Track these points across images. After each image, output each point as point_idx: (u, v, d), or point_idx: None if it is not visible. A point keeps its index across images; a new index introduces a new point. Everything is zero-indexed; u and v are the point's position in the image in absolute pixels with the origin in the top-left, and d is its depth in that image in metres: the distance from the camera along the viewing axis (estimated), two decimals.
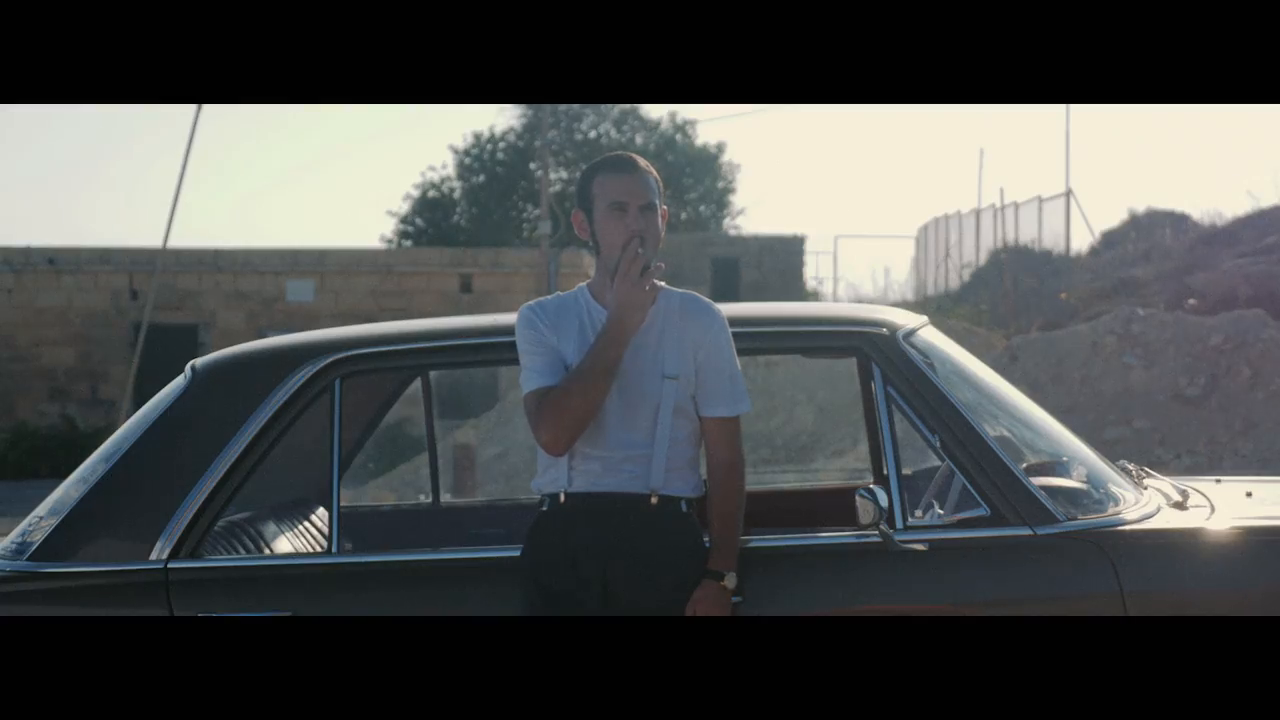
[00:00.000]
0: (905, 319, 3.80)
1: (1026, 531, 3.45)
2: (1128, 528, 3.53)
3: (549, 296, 3.44)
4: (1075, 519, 3.50)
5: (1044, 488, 3.55)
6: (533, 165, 36.28)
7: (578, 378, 3.21)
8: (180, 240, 34.89)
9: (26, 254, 23.33)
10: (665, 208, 3.39)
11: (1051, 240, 25.34)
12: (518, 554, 3.35)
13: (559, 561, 3.26)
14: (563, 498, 3.29)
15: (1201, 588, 3.44)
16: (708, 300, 3.43)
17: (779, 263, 32.72)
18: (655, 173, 3.38)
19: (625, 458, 3.27)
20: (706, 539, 3.34)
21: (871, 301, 23.03)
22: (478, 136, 38.56)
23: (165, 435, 3.60)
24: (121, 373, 20.96)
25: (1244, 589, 3.45)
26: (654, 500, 3.27)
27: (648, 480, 3.27)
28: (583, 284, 3.44)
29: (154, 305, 16.15)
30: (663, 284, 3.39)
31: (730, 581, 3.26)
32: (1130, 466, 4.10)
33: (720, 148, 39.88)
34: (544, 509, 3.34)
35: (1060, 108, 27.18)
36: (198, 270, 23.08)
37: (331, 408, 3.60)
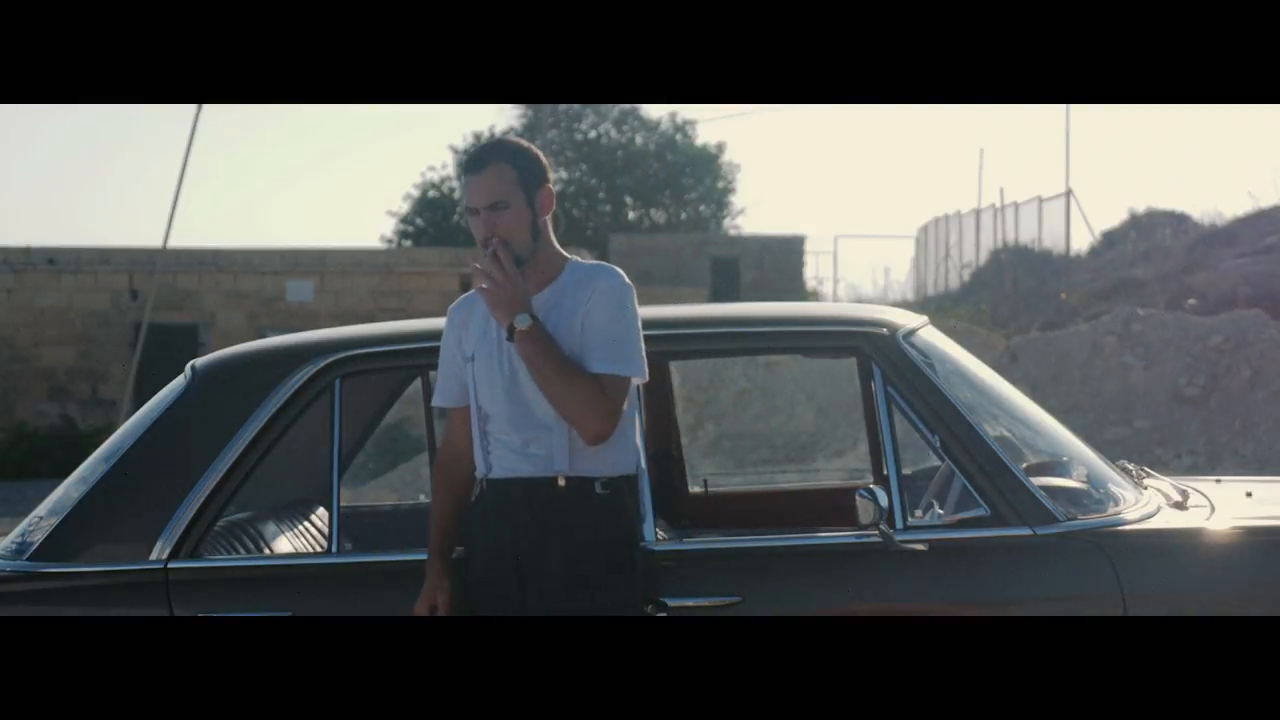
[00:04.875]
0: (905, 319, 3.80)
1: (1026, 531, 3.45)
2: (1128, 528, 3.54)
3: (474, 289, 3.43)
4: (1075, 519, 3.50)
5: (1044, 488, 3.55)
6: None
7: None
8: (180, 240, 34.94)
9: (26, 254, 23.31)
10: (548, 186, 3.31)
11: (1051, 240, 25.33)
12: None
13: (481, 550, 3.29)
14: (484, 485, 3.31)
15: (1201, 588, 3.44)
16: (612, 268, 3.33)
17: (779, 263, 32.67)
18: (522, 152, 3.30)
19: (531, 439, 3.24)
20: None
21: (871, 301, 23.00)
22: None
23: (165, 435, 3.60)
24: (121, 373, 20.94)
25: (1244, 589, 3.45)
26: (562, 483, 3.22)
27: (552, 463, 3.23)
28: None
29: (154, 305, 16.14)
30: (574, 258, 3.35)
31: (521, 321, 3.16)
32: (1130, 466, 4.10)
33: (720, 148, 39.83)
34: (475, 496, 3.36)
35: (1060, 108, 27.17)
36: (198, 270, 23.07)
37: (331, 408, 3.60)
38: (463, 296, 3.45)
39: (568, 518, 3.22)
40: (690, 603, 3.34)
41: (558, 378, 3.17)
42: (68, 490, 3.65)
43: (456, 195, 38.37)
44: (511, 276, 3.19)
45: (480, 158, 3.30)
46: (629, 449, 3.30)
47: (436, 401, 3.46)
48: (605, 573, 3.21)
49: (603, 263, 3.40)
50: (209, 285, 23.26)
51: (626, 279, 3.31)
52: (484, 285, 3.20)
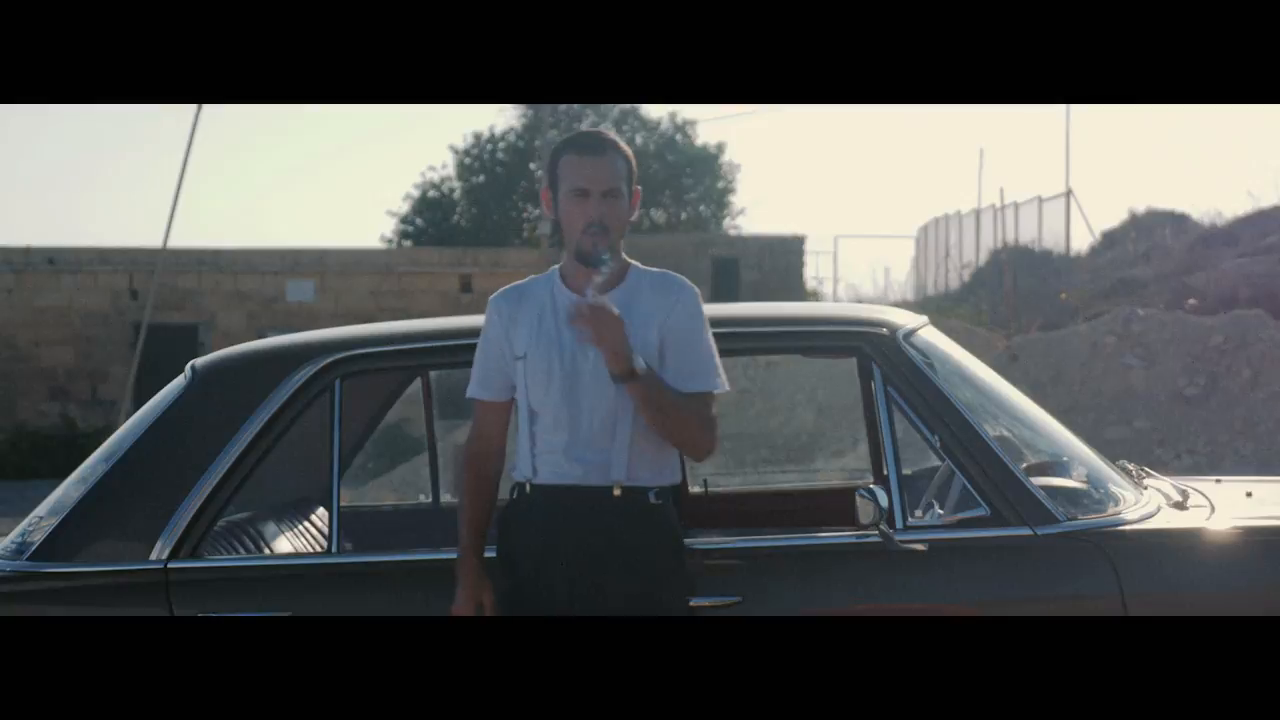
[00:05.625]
0: (905, 319, 3.80)
1: (1026, 531, 3.45)
2: (1128, 528, 3.54)
3: (523, 280, 3.37)
4: (1075, 519, 3.50)
5: (1044, 488, 3.55)
6: (533, 165, 36.25)
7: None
8: (180, 240, 34.86)
9: (26, 254, 23.32)
10: (638, 189, 3.30)
11: (1051, 240, 25.33)
12: None
13: (524, 557, 3.22)
14: (528, 488, 3.25)
15: (1201, 588, 3.44)
16: (680, 277, 3.33)
17: (779, 263, 32.65)
18: (628, 152, 3.28)
19: (588, 446, 3.19)
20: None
21: (871, 301, 23.01)
22: (478, 136, 38.49)
23: (165, 435, 3.60)
24: (121, 373, 20.94)
25: (1244, 589, 3.45)
26: (617, 493, 3.18)
27: (609, 471, 3.19)
28: (556, 266, 3.35)
29: (154, 305, 16.14)
30: (634, 262, 3.32)
31: (640, 364, 3.08)
32: (1130, 466, 4.11)
33: (720, 148, 39.81)
34: (512, 497, 3.28)
35: (1060, 108, 27.18)
36: (198, 270, 23.07)
37: (331, 408, 3.60)
38: (506, 288, 3.35)
39: (623, 528, 3.17)
40: (690, 603, 3.34)
41: (675, 410, 3.16)
42: (68, 490, 3.65)
43: (456, 195, 38.39)
44: (618, 316, 3.09)
45: (600, 143, 3.25)
46: (676, 458, 3.30)
47: (473, 393, 3.33)
48: (659, 584, 3.19)
49: (670, 272, 3.36)
50: (209, 285, 23.27)
51: (698, 290, 3.32)
52: (597, 324, 3.06)
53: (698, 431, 3.20)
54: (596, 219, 3.19)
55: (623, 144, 3.28)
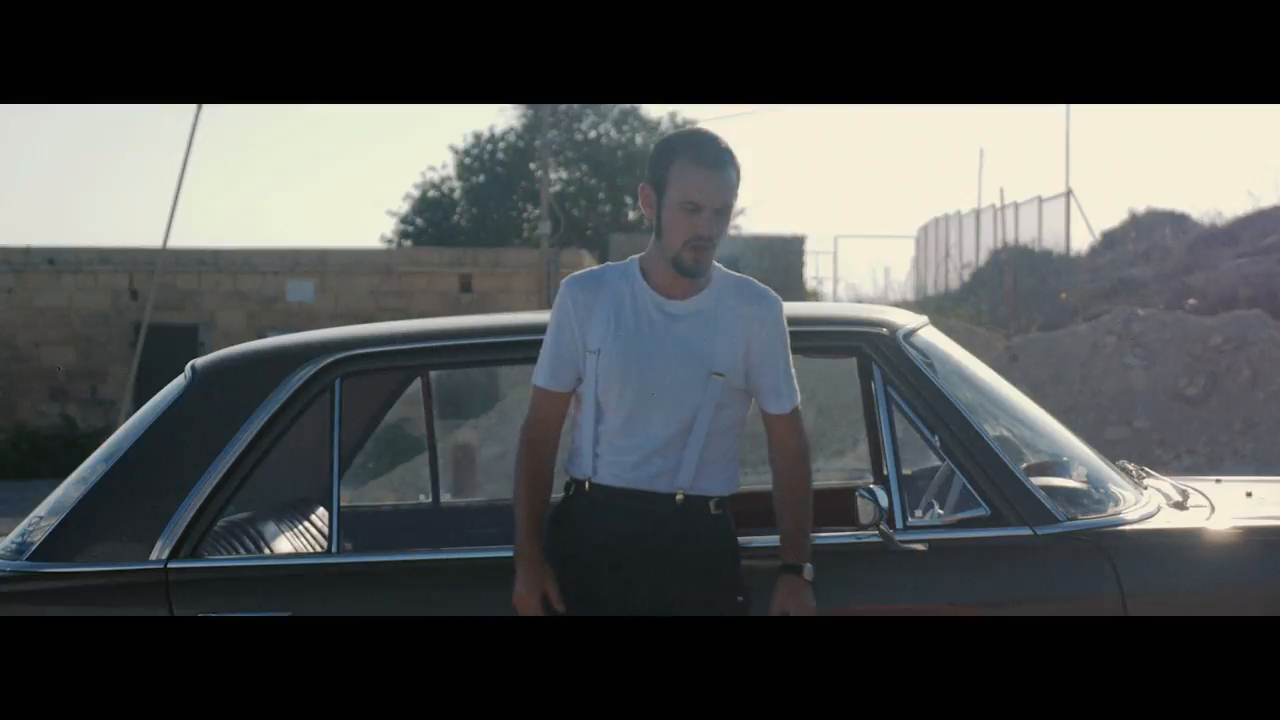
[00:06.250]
0: (905, 319, 3.80)
1: (1026, 531, 3.45)
2: (1128, 528, 3.54)
3: (598, 267, 3.29)
4: (1075, 519, 3.50)
5: (1044, 488, 3.55)
6: (533, 165, 36.21)
7: (514, 498, 3.26)
8: (180, 240, 34.80)
9: (26, 254, 23.31)
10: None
11: (1051, 240, 25.33)
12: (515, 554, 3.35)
13: (577, 556, 3.18)
14: (587, 486, 3.20)
15: (1201, 588, 3.44)
16: (763, 286, 3.28)
17: (779, 263, 32.64)
18: (738, 161, 3.18)
19: (655, 452, 3.15)
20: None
21: (871, 301, 23.00)
22: (478, 136, 38.45)
23: (165, 435, 3.60)
24: (121, 373, 20.93)
25: (1244, 589, 3.45)
26: (680, 499, 3.16)
27: (675, 478, 3.15)
28: (636, 256, 3.28)
29: (154, 305, 16.14)
30: (719, 265, 3.27)
31: (809, 574, 3.15)
32: (1130, 466, 4.10)
33: None
34: (568, 494, 3.24)
35: (1060, 108, 27.16)
36: (198, 270, 23.05)
37: (331, 408, 3.60)
38: (581, 274, 3.26)
39: (684, 535, 3.15)
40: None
41: (810, 502, 3.27)
42: (68, 490, 3.65)
43: (456, 195, 38.37)
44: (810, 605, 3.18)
45: (720, 156, 3.14)
46: (737, 470, 3.28)
47: (542, 383, 3.24)
48: (716, 592, 3.18)
49: (750, 279, 3.31)
50: (209, 285, 23.25)
51: (780, 299, 3.29)
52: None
53: (810, 472, 3.30)
54: (706, 236, 3.13)
55: (735, 153, 3.19)
